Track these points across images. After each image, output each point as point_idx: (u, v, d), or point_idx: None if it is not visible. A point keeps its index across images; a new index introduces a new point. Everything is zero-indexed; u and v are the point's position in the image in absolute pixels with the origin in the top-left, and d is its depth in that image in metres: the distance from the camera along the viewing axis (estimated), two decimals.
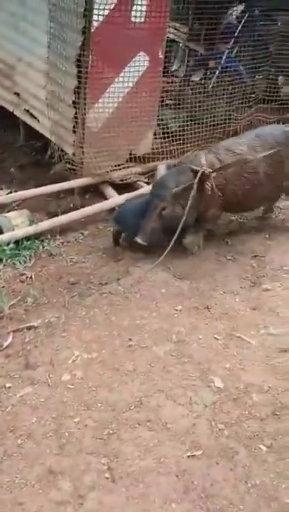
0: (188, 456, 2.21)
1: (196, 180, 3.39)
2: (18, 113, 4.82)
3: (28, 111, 4.68)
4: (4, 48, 4.78)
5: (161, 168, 3.71)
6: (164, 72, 4.65)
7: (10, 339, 2.84)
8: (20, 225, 3.80)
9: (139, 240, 3.52)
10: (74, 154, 4.32)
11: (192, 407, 2.42)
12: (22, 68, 4.62)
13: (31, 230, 3.76)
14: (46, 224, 3.86)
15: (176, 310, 3.12)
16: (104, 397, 2.44)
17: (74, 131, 4.22)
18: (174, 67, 6.17)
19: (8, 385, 2.47)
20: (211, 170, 3.44)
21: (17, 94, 4.73)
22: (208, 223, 3.80)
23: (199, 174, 3.39)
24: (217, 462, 2.20)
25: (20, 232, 3.72)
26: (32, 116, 4.68)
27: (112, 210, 4.08)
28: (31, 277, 3.43)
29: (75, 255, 3.75)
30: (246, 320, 3.09)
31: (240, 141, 3.72)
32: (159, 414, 2.37)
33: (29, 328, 2.92)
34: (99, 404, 2.41)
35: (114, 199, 4.24)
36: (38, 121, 4.62)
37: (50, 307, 3.13)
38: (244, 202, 3.77)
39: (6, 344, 2.80)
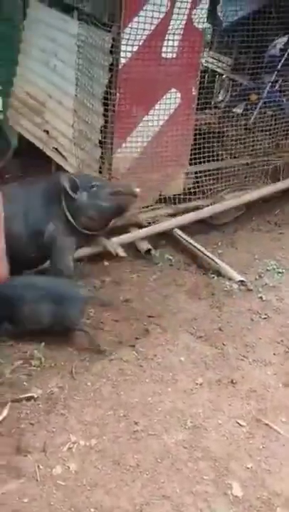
0: None
1: None
2: (47, 151, 4.65)
3: (56, 149, 4.50)
4: (36, 85, 4.64)
5: None
6: (204, 104, 4.37)
7: (6, 412, 2.55)
8: None
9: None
10: None
11: None
12: (52, 105, 4.46)
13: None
14: None
15: (196, 384, 2.74)
16: (98, 501, 2.08)
17: (100, 172, 3.97)
18: (220, 98, 5.90)
19: None
20: None
21: (46, 131, 4.56)
22: None
23: None
24: None
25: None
26: (60, 154, 4.49)
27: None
28: (40, 334, 3.14)
29: (91, 307, 3.44)
30: (277, 401, 2.66)
31: None
32: None
33: (28, 399, 2.62)
34: (92, 510, 2.05)
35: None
36: (66, 159, 4.41)
37: (55, 373, 2.81)
38: None
39: (0, 418, 2.51)
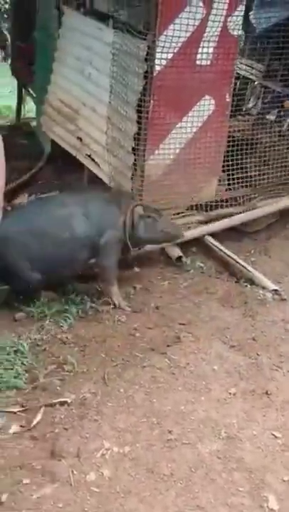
0: None
1: None
2: (80, 157, 4.69)
3: (89, 156, 4.54)
4: (70, 92, 4.70)
5: None
6: (236, 111, 4.34)
7: (40, 416, 2.57)
8: None
9: None
10: None
11: None
12: (85, 113, 4.50)
13: None
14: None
15: (229, 394, 2.71)
16: (132, 509, 2.07)
17: (132, 179, 3.99)
18: (250, 105, 5.87)
19: (26, 480, 2.18)
20: None
21: (80, 138, 4.61)
22: None
23: None
24: None
25: None
26: (93, 161, 4.53)
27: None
28: (73, 339, 3.17)
29: (122, 314, 3.45)
30: None
31: None
32: None
33: (62, 403, 2.64)
34: None
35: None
36: (99, 166, 4.45)
37: (88, 378, 2.82)
38: None
39: (34, 422, 2.53)
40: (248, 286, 3.66)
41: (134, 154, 3.91)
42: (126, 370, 2.88)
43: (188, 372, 2.82)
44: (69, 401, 2.64)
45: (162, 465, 2.25)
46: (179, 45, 3.60)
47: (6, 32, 7.25)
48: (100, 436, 2.40)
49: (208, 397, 2.65)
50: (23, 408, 2.62)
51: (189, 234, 4.05)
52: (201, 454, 2.31)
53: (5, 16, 7.11)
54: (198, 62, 3.73)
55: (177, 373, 2.81)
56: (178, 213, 4.20)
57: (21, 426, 2.52)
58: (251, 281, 3.69)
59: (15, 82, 7.17)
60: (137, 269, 3.94)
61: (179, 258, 3.96)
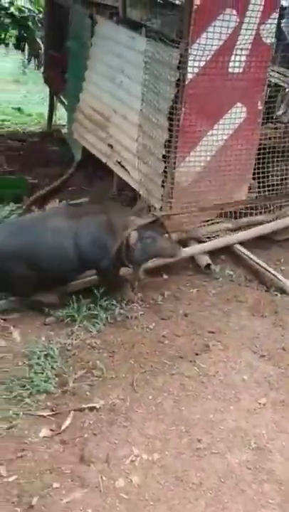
0: None
1: None
2: (110, 164, 4.74)
3: (119, 162, 4.58)
4: (101, 100, 4.76)
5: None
6: (267, 118, 4.32)
7: (69, 421, 2.59)
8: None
9: None
10: (161, 209, 4.08)
11: None
12: (116, 120, 4.55)
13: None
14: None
15: (259, 404, 2.68)
16: None
17: (162, 186, 4.00)
18: (280, 112, 5.82)
19: (56, 484, 2.20)
20: None
21: (110, 145, 4.66)
22: None
23: None
24: None
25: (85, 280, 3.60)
26: (123, 168, 4.56)
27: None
28: (102, 344, 3.19)
29: (151, 320, 3.45)
30: None
31: None
32: None
33: (91, 408, 2.66)
34: None
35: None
36: (129, 173, 4.48)
37: (116, 384, 2.84)
38: None
39: (64, 426, 2.55)
40: (279, 295, 3.62)
41: (165, 161, 3.92)
42: (155, 377, 2.88)
43: (218, 381, 2.81)
44: (98, 406, 2.66)
45: (191, 474, 2.24)
46: (212, 53, 3.61)
47: (39, 41, 7.40)
48: (129, 442, 2.40)
49: (237, 407, 2.63)
50: (53, 412, 2.65)
51: (218, 242, 4.04)
52: (231, 464, 2.29)
53: (39, 25, 7.25)
54: (230, 70, 3.73)
55: (206, 382, 2.80)
56: (207, 220, 4.19)
57: (51, 430, 2.54)
58: (282, 291, 3.65)
59: (47, 89, 7.31)
60: (165, 276, 3.95)
61: (208, 266, 3.95)
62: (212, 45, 3.57)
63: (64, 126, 6.99)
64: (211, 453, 2.34)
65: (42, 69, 7.39)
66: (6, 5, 6.79)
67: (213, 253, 4.05)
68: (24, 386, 2.79)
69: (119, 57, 4.36)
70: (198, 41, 3.54)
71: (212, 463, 2.29)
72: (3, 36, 7.45)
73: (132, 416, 2.56)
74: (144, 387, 2.80)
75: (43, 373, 2.88)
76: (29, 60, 8.21)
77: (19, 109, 8.25)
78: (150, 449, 2.37)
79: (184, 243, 4.05)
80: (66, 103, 6.09)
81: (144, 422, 2.52)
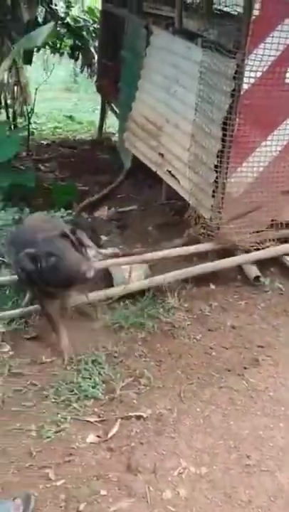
0: None
1: None
2: (160, 173, 4.76)
3: (170, 172, 4.59)
4: (154, 109, 4.79)
5: None
6: None
7: (116, 428, 2.60)
8: (134, 278, 3.67)
9: None
10: (211, 219, 4.06)
11: None
12: (169, 129, 4.57)
13: (145, 283, 3.61)
14: (168, 276, 3.66)
15: None
16: None
17: (213, 196, 3.98)
18: None
19: (103, 492, 2.21)
20: None
21: (161, 154, 4.68)
22: None
23: None
24: None
25: (133, 285, 3.60)
26: (173, 177, 4.57)
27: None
28: (149, 353, 3.19)
29: (198, 331, 3.43)
30: None
31: None
32: None
33: (138, 417, 2.66)
34: None
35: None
36: (179, 182, 4.48)
37: (163, 394, 2.83)
38: None
39: (111, 434, 2.56)
40: None
41: (216, 172, 3.90)
42: (202, 389, 2.85)
43: (267, 397, 2.75)
44: (145, 415, 2.66)
45: (240, 490, 2.20)
46: (269, 63, 3.57)
47: (92, 50, 7.56)
48: (176, 454, 2.39)
49: (287, 425, 2.57)
50: (100, 418, 2.66)
51: (267, 253, 3.97)
52: (281, 483, 2.23)
53: (92, 35, 7.41)
54: (287, 81, 3.67)
55: (255, 397, 2.75)
56: (257, 231, 4.13)
57: (98, 436, 2.56)
58: None
59: (97, 98, 7.45)
60: (212, 286, 3.92)
61: (257, 278, 3.89)
62: (269, 56, 3.53)
63: (114, 134, 7.09)
64: (261, 470, 2.29)
65: (94, 78, 7.53)
66: (62, 15, 6.98)
67: (262, 265, 3.99)
68: (72, 391, 2.82)
69: (175, 67, 4.38)
70: (255, 52, 3.51)
71: (262, 481, 2.24)
72: (58, 45, 7.66)
73: (179, 427, 2.54)
74: (191, 398, 2.78)
75: (90, 379, 2.90)
76: (82, 69, 8.39)
77: (70, 117, 8.43)
78: (198, 462, 2.34)
79: (231, 253, 4.02)
80: (118, 112, 6.17)
81: (192, 435, 2.50)
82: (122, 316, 3.45)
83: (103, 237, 4.66)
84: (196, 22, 4.42)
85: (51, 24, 3.79)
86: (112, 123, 7.22)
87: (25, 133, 6.46)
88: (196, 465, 2.33)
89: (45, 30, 2.58)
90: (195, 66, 4.02)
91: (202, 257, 4.16)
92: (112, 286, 3.70)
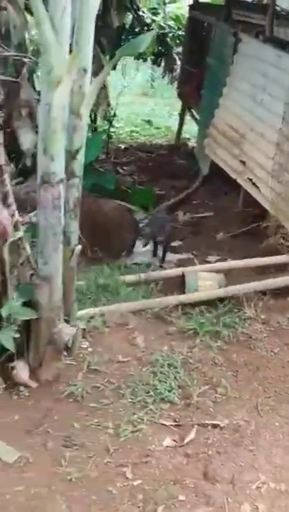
0: None
1: None
2: (240, 180, 4.73)
3: (250, 180, 4.55)
4: (239, 117, 4.78)
5: None
6: None
7: (193, 435, 2.59)
8: (207, 287, 3.64)
9: None
10: None
11: None
12: (252, 137, 4.53)
13: (221, 292, 3.58)
14: (239, 288, 3.61)
15: None
16: None
17: None
18: None
19: (181, 497, 2.21)
20: None
21: (243, 162, 4.64)
22: None
23: None
24: None
25: (203, 293, 3.58)
26: (254, 185, 4.52)
27: None
28: (225, 362, 3.15)
29: (276, 344, 3.35)
30: None
31: None
32: None
33: (214, 426, 2.64)
34: None
35: None
36: (260, 190, 4.43)
37: (240, 405, 2.79)
38: None
39: (187, 439, 2.56)
40: None
41: None
42: (280, 404, 2.79)
43: None
44: (222, 425, 2.63)
45: None
46: None
47: (175, 56, 7.62)
48: (255, 468, 2.35)
49: None
50: (176, 423, 2.66)
51: None
52: None
53: (177, 41, 7.48)
54: None
55: None
56: None
57: (174, 440, 2.56)
58: None
59: (174, 103, 7.49)
60: None
61: None
62: None
63: (190, 140, 7.11)
64: None
65: (175, 84, 7.59)
66: (148, 21, 7.09)
67: None
68: (148, 392, 2.83)
69: (263, 75, 4.34)
70: None
71: None
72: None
73: (258, 440, 2.50)
74: (269, 412, 2.72)
75: (166, 382, 2.91)
76: (164, 75, 8.48)
77: (149, 122, 8.53)
78: (278, 477, 2.29)
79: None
80: (199, 118, 6.18)
81: (271, 449, 2.45)
82: (197, 323, 3.44)
83: (178, 242, 4.69)
84: (287, 30, 4.35)
85: (153, 32, 3.85)
86: (188, 129, 7.25)
87: (105, 136, 6.61)
88: (275, 481, 2.28)
89: (148, 37, 2.64)
90: (285, 75, 3.97)
91: (279, 268, 4.08)
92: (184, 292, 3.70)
